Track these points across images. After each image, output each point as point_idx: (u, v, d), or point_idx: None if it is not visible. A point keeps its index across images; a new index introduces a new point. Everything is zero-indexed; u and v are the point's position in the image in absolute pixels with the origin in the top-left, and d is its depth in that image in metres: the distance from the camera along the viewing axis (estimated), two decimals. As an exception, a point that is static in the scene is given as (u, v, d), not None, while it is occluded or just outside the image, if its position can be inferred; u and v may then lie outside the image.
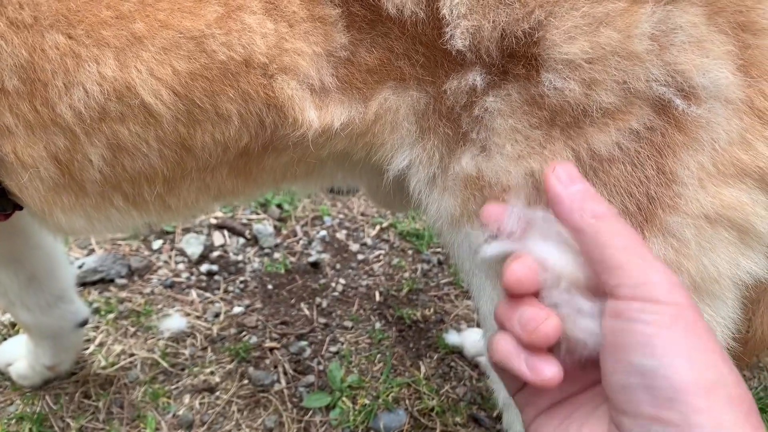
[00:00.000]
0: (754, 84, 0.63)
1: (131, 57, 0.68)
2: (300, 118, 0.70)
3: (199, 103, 0.70)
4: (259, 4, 0.67)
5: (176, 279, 1.74)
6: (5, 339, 1.52)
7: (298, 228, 1.93)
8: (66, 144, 0.74)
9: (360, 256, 1.85)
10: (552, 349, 0.55)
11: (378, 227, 1.95)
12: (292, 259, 1.83)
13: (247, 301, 1.69)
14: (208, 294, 1.70)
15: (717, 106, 0.62)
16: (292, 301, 1.71)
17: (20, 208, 0.87)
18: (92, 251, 1.79)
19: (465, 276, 0.80)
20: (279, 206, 1.98)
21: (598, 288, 0.55)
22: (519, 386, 0.61)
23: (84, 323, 1.36)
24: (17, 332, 1.54)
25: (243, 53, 0.68)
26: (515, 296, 0.57)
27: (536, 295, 0.57)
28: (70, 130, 0.72)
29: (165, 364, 1.50)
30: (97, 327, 1.58)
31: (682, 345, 0.50)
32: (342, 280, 1.77)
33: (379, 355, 1.56)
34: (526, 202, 0.64)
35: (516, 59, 0.64)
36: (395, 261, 1.84)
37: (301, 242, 1.89)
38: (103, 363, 1.50)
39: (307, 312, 1.67)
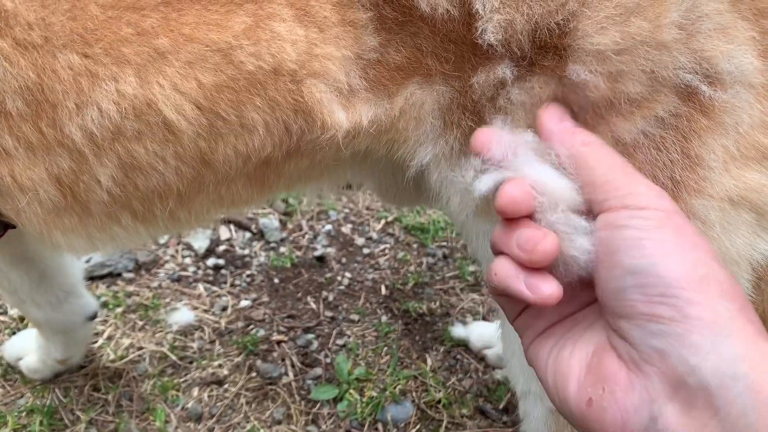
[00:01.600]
0: None
1: (153, 73, 0.67)
2: (329, 121, 0.70)
3: (224, 115, 0.69)
4: (289, 12, 0.67)
5: (183, 273, 1.75)
6: (14, 333, 1.53)
7: (303, 222, 1.94)
8: (71, 165, 0.72)
9: (365, 250, 1.86)
10: (549, 270, 0.56)
11: (383, 221, 1.96)
12: (298, 253, 1.84)
13: (254, 295, 1.70)
14: (215, 288, 1.71)
15: (741, 90, 0.64)
16: (299, 294, 1.72)
17: (12, 226, 0.86)
18: (99, 246, 1.80)
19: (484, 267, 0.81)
20: (284, 200, 1.99)
21: (592, 211, 0.57)
22: (518, 311, 0.62)
23: (93, 316, 1.37)
24: (26, 326, 1.55)
25: (272, 62, 0.67)
26: (510, 220, 0.57)
27: (531, 217, 0.57)
28: (77, 151, 0.71)
29: (173, 357, 1.51)
30: (106, 321, 1.59)
31: (671, 244, 0.51)
32: (348, 274, 1.78)
33: (385, 348, 1.57)
34: (513, 125, 0.64)
35: (545, 51, 0.65)
36: (401, 255, 1.85)
37: (306, 236, 1.90)
38: (112, 356, 1.51)
39: (313, 305, 1.69)
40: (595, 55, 0.62)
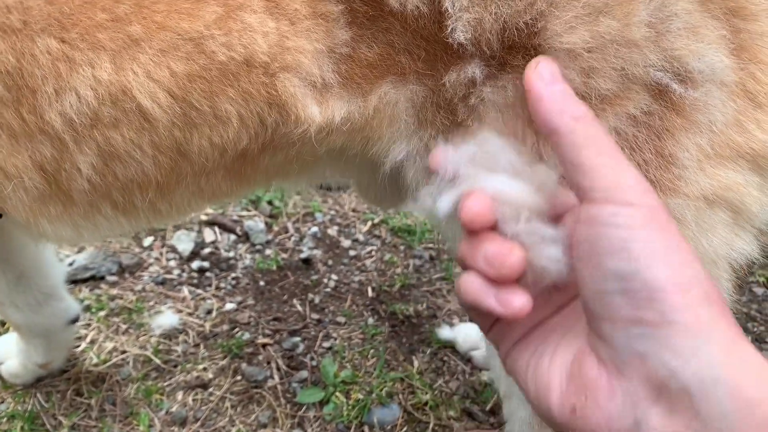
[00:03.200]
0: (745, 67, 0.64)
1: (128, 60, 0.67)
2: (302, 115, 0.70)
3: (197, 105, 0.69)
4: (260, 3, 0.67)
5: (168, 276, 1.73)
6: (-5, 337, 1.51)
7: (289, 224, 1.93)
8: (53, 153, 0.72)
9: (352, 252, 1.85)
10: (518, 281, 0.55)
11: (369, 223, 1.95)
12: (284, 255, 1.83)
13: (239, 298, 1.69)
14: (199, 291, 1.70)
15: (713, 89, 0.64)
16: (285, 297, 1.71)
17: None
18: (82, 249, 1.78)
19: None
20: (270, 203, 1.98)
21: (557, 214, 0.55)
22: (491, 322, 0.60)
23: (75, 320, 1.35)
24: (6, 330, 1.53)
25: (244, 53, 0.67)
26: (475, 233, 0.56)
27: (495, 228, 0.56)
28: (58, 138, 0.70)
29: (157, 361, 1.49)
30: (89, 324, 1.57)
31: (657, 246, 0.50)
32: (334, 276, 1.77)
33: (372, 350, 1.56)
34: (460, 139, 0.61)
35: (515, 50, 0.65)
36: (387, 257, 1.84)
37: (292, 239, 1.89)
38: (95, 360, 1.49)
39: (299, 308, 1.67)
40: (566, 53, 0.62)
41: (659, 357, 0.48)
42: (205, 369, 1.49)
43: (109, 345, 1.53)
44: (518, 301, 0.53)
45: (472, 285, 0.55)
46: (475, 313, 0.60)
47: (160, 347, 1.53)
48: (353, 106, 0.71)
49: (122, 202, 0.78)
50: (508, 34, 0.63)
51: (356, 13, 0.67)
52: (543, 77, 0.56)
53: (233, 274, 1.76)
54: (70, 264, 1.68)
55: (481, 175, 0.57)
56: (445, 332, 1.59)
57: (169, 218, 0.86)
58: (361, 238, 1.91)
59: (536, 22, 0.62)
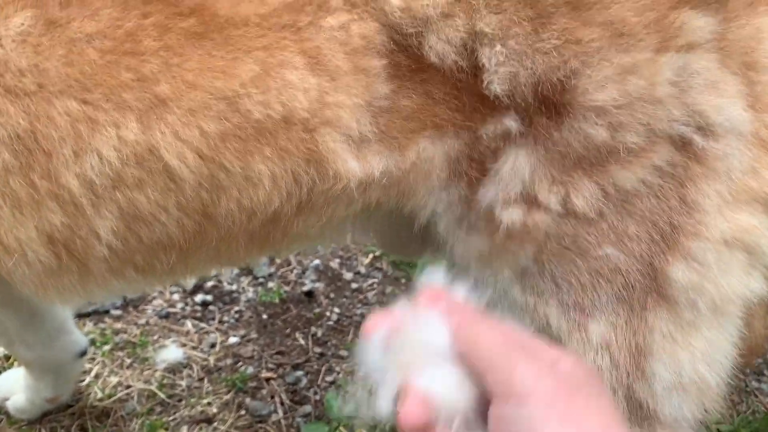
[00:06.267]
0: (759, 117, 0.68)
1: (155, 119, 0.66)
2: (342, 170, 0.70)
3: (227, 165, 0.68)
4: (301, 60, 0.67)
5: (171, 309, 1.74)
6: (0, 372, 1.52)
7: (291, 257, 1.95)
8: (64, 220, 0.69)
9: (354, 285, 1.87)
10: None
11: (371, 256, 1.97)
12: (287, 288, 1.84)
13: (242, 331, 1.70)
14: (203, 324, 1.71)
15: (732, 140, 0.67)
16: (287, 330, 1.72)
17: None
18: (86, 282, 1.79)
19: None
20: (272, 235, 1.99)
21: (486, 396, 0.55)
22: None
23: (84, 353, 1.37)
24: (11, 365, 1.53)
25: (282, 110, 0.67)
26: None
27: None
28: (73, 203, 0.69)
29: (162, 396, 1.50)
30: (93, 358, 1.58)
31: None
32: (336, 309, 1.79)
33: (375, 384, 1.57)
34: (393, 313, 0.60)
35: (547, 105, 0.68)
36: (389, 289, 1.86)
37: (294, 271, 1.90)
38: (100, 395, 1.50)
39: (302, 341, 1.68)
40: (596, 110, 0.65)
41: None
42: (209, 403, 1.50)
43: (114, 379, 1.54)
44: None
45: None
46: None
47: (165, 381, 1.54)
48: (391, 160, 0.72)
49: (143, 265, 0.77)
50: (541, 88, 0.66)
51: (399, 67, 0.68)
52: (429, 298, 0.57)
53: (236, 308, 1.77)
54: (75, 298, 1.69)
55: (412, 369, 0.56)
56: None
57: (181, 277, 0.85)
58: (362, 270, 1.92)
59: (569, 79, 0.65)
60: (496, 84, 0.67)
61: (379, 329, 0.58)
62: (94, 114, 0.66)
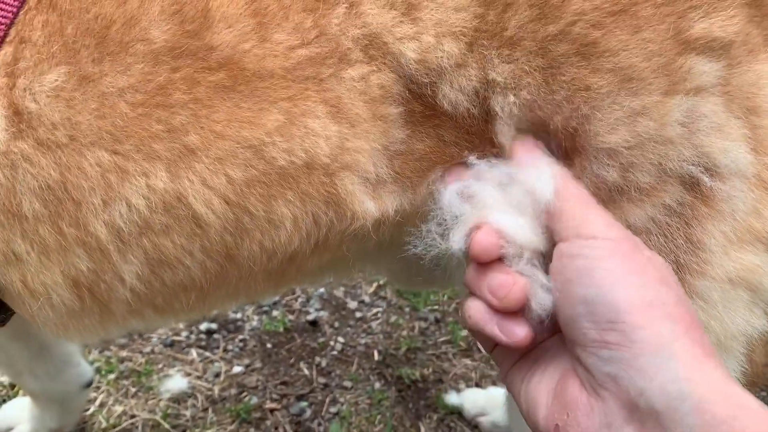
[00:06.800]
0: (761, 160, 0.70)
1: (183, 168, 0.68)
2: (359, 211, 0.72)
3: (252, 209, 0.70)
4: (323, 109, 0.69)
5: (176, 338, 1.75)
6: (4, 401, 1.52)
7: (296, 285, 1.95)
8: (90, 266, 0.71)
9: (358, 314, 1.88)
10: (520, 312, 0.60)
11: (375, 284, 1.97)
12: (291, 317, 1.85)
13: (246, 360, 1.70)
14: (207, 353, 1.71)
15: (737, 181, 0.69)
16: (292, 360, 1.72)
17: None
18: (92, 309, 1.80)
19: None
20: (277, 263, 2.00)
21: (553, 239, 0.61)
22: (493, 344, 0.65)
23: (90, 384, 1.37)
24: (16, 394, 1.54)
25: (305, 156, 0.69)
26: (482, 263, 0.61)
27: (501, 258, 0.61)
28: (100, 249, 0.70)
29: (166, 426, 1.50)
30: (98, 387, 1.58)
31: (619, 271, 0.54)
32: (341, 339, 1.79)
33: (379, 416, 1.57)
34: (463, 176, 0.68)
35: (558, 149, 0.69)
36: (393, 319, 1.86)
37: (299, 300, 1.91)
38: (104, 424, 1.50)
39: (306, 372, 1.69)
40: (607, 152, 0.67)
41: (628, 377, 0.51)
42: (213, 434, 1.50)
43: (119, 408, 1.54)
44: (521, 331, 0.59)
45: (477, 312, 0.61)
46: (478, 335, 0.65)
47: (169, 411, 1.54)
48: (405, 198, 0.74)
49: (163, 305, 0.78)
50: (552, 136, 0.68)
51: (414, 113, 0.70)
52: (524, 147, 0.66)
53: (241, 336, 1.77)
54: (80, 326, 1.69)
55: (488, 210, 0.62)
56: (452, 398, 1.60)
57: (198, 315, 0.87)
58: (366, 299, 1.93)
59: (581, 125, 0.67)
60: (507, 134, 0.69)
61: (459, 179, 0.67)
62: (125, 164, 0.67)
